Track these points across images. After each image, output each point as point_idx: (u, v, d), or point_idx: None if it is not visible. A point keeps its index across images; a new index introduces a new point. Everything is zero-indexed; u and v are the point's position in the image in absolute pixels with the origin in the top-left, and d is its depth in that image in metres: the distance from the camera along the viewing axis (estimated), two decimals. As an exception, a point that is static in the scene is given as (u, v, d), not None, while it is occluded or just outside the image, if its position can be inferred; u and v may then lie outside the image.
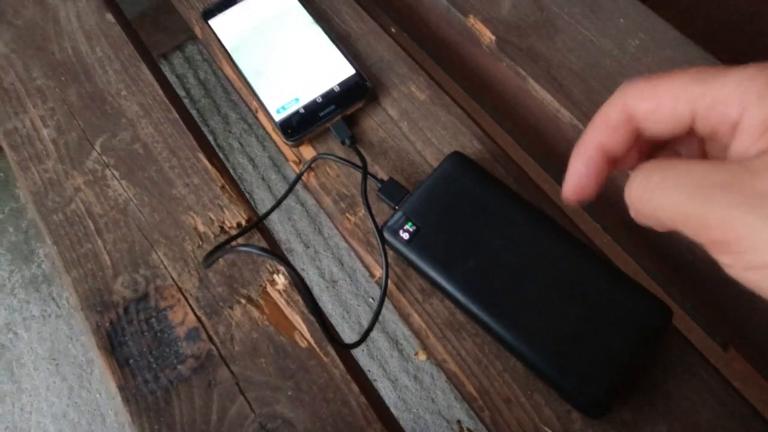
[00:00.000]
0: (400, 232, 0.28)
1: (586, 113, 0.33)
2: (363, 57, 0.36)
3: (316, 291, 0.92)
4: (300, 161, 0.34)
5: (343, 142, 0.32)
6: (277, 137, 0.34)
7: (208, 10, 0.38)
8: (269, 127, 0.35)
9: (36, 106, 0.36)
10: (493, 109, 0.39)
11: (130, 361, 0.28)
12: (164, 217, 0.32)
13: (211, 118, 1.16)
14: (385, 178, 0.31)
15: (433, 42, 0.40)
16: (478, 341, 0.28)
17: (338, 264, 0.95)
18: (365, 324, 0.99)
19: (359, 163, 0.31)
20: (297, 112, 0.33)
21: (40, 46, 0.38)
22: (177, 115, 0.35)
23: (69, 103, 0.36)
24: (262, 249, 0.25)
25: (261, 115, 0.35)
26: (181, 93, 1.20)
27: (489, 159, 0.32)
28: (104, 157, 0.34)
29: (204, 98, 1.19)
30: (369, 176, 0.30)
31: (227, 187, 0.33)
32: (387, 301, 0.29)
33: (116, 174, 0.33)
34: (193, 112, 1.18)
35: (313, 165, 0.33)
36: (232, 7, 0.38)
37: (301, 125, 0.33)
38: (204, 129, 1.19)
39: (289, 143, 0.33)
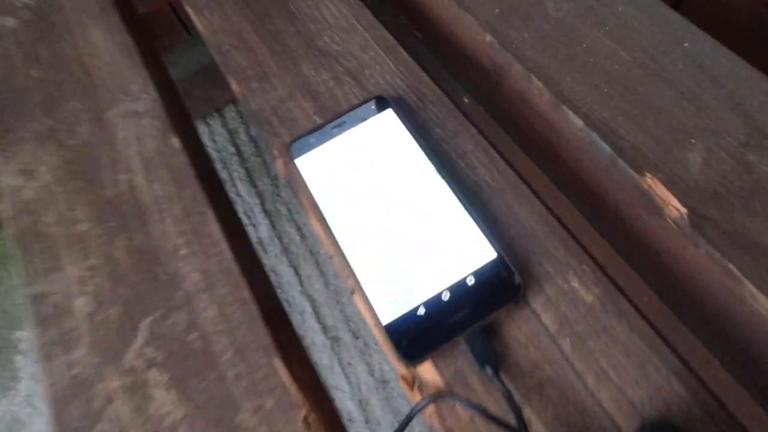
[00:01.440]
0: None
1: None
2: (500, 226, 0.27)
3: (365, 390, 0.81)
4: (414, 382, 0.24)
5: (481, 367, 0.23)
6: (385, 343, 0.25)
7: (295, 143, 0.30)
8: (371, 322, 0.26)
9: (74, 263, 0.28)
10: (687, 311, 0.28)
11: None
12: (223, 460, 0.23)
13: (260, 179, 1.10)
14: (550, 442, 0.21)
15: (593, 205, 0.30)
16: None
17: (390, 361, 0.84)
18: None
19: (510, 417, 0.21)
20: (414, 315, 0.24)
21: (90, 176, 0.31)
22: (250, 295, 0.26)
23: (114, 260, 0.28)
24: None
25: (358, 298, 0.26)
26: (231, 149, 1.16)
27: (699, 414, 0.22)
28: (149, 350, 0.25)
29: (254, 156, 1.14)
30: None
31: (310, 419, 0.23)
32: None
33: (163, 380, 0.25)
34: (242, 171, 1.13)
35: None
36: (327, 141, 0.30)
37: (421, 336, 0.23)
38: (252, 191, 1.13)
39: (404, 361, 0.23)
